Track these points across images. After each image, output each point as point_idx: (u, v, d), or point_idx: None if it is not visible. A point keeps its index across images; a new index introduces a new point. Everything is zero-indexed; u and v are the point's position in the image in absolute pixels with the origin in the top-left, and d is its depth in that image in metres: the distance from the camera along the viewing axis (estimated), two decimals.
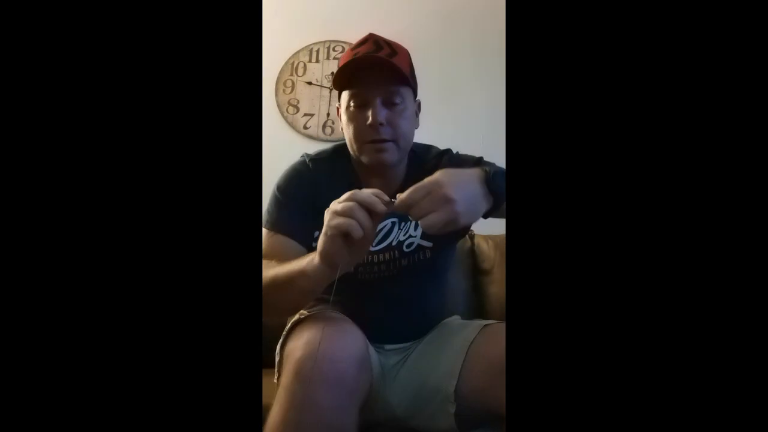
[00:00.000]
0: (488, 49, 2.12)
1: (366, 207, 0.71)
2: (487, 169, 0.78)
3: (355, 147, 1.03)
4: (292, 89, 2.26)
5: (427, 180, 0.72)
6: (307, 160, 1.08)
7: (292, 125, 2.25)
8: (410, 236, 1.07)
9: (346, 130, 1.04)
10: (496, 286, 1.62)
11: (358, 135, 1.01)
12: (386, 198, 0.73)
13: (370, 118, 0.97)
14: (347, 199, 0.72)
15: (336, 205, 0.72)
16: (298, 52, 2.27)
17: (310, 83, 2.25)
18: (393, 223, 1.06)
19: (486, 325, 0.99)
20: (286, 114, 2.25)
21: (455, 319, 1.14)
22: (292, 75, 2.26)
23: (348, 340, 0.84)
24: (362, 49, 1.00)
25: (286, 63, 2.26)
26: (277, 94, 2.26)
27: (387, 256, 1.05)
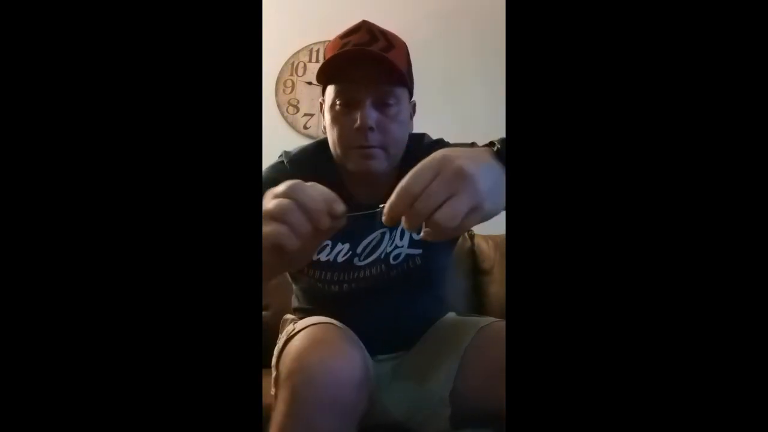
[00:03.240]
0: (488, 47, 2.12)
1: (306, 212, 0.50)
2: (495, 142, 0.58)
3: (339, 151, 0.92)
4: (292, 89, 2.26)
5: (431, 157, 0.52)
6: (285, 160, 0.98)
7: (292, 125, 2.25)
8: (396, 247, 0.96)
9: (329, 131, 0.94)
10: (496, 286, 1.62)
11: (343, 139, 0.90)
12: (340, 209, 0.53)
13: (358, 121, 0.86)
14: (284, 194, 0.51)
15: (270, 200, 0.51)
16: (298, 52, 2.26)
17: (310, 83, 2.25)
18: (382, 234, 0.96)
19: (481, 328, 0.95)
20: (286, 114, 2.25)
21: (450, 317, 1.08)
22: (292, 75, 2.26)
23: (346, 362, 0.80)
24: (353, 39, 0.88)
25: (286, 63, 2.26)
26: (277, 94, 2.25)
27: (374, 270, 0.96)
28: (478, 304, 1.65)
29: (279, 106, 2.26)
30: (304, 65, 2.27)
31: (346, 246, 0.96)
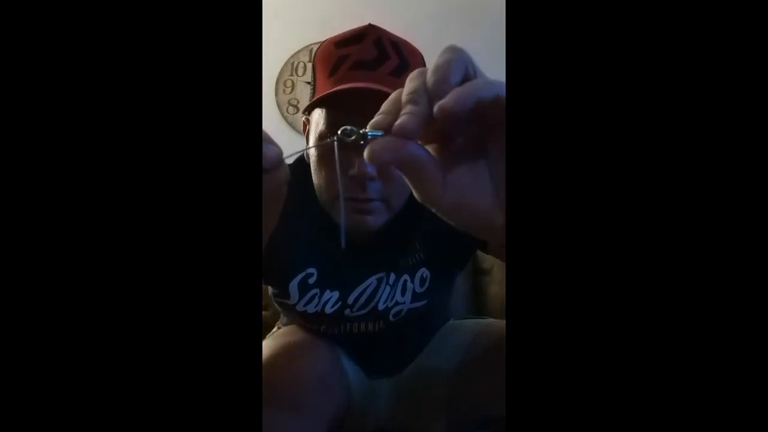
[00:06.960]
0: (489, 47, 2.12)
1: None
2: None
3: (325, 197, 0.74)
4: (292, 89, 2.26)
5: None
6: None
7: (292, 125, 2.25)
8: (397, 303, 0.82)
9: (314, 169, 0.75)
10: (496, 286, 1.62)
11: (332, 185, 0.71)
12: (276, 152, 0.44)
13: (356, 167, 0.65)
14: None
15: None
16: (298, 52, 2.27)
17: (309, 83, 2.25)
18: (378, 280, 0.81)
19: (480, 330, 0.94)
20: (286, 114, 2.25)
21: (449, 324, 1.02)
22: (292, 75, 2.27)
23: (306, 363, 0.75)
24: (354, 51, 0.71)
25: (286, 63, 2.27)
26: (277, 94, 2.26)
27: (370, 327, 0.85)
28: (478, 304, 1.66)
29: (279, 106, 2.26)
30: (304, 65, 2.27)
31: (335, 294, 0.82)
